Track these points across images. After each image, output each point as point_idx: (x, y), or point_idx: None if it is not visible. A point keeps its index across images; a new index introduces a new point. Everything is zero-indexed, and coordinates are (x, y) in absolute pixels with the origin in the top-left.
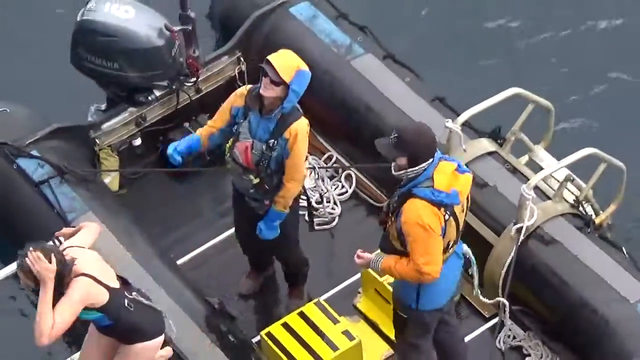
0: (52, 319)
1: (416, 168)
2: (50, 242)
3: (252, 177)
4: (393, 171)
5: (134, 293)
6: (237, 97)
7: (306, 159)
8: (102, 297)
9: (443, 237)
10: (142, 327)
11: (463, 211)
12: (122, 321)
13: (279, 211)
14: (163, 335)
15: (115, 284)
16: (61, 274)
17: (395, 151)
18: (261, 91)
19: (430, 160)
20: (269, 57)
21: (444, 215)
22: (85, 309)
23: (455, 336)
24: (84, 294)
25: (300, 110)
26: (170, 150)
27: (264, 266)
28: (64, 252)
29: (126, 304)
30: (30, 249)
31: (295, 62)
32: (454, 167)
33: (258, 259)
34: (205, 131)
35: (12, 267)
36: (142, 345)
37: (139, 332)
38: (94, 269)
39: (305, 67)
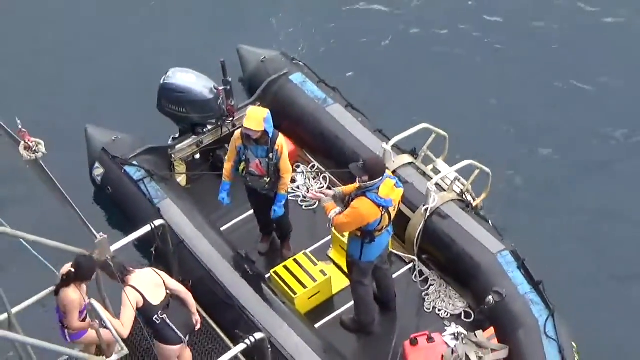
0: (121, 325)
1: (372, 182)
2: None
3: (265, 179)
4: (358, 182)
5: (164, 315)
6: (237, 140)
7: (299, 167)
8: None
9: (379, 224)
10: (161, 335)
11: (394, 209)
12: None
13: (283, 194)
14: (179, 346)
15: (155, 302)
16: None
17: (361, 172)
18: (253, 137)
19: (380, 178)
20: (245, 124)
21: (381, 211)
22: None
23: (387, 275)
24: (129, 300)
25: (277, 132)
26: (222, 196)
27: (270, 232)
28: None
29: (154, 318)
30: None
31: (260, 116)
32: (394, 183)
33: (268, 228)
34: (227, 171)
35: (135, 235)
36: (161, 345)
37: (159, 337)
38: (141, 285)
39: (265, 114)
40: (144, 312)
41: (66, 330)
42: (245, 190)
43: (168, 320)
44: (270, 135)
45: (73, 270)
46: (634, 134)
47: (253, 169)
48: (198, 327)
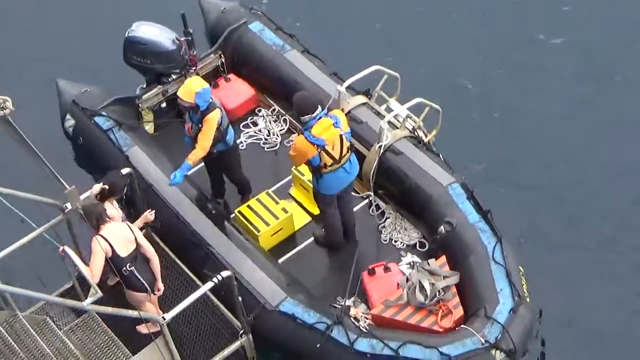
0: (90, 272)
1: (303, 118)
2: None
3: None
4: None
5: (132, 268)
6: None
7: (260, 111)
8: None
9: (320, 162)
10: (130, 284)
11: (333, 148)
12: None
13: (189, 164)
14: (145, 293)
15: (122, 254)
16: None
17: (293, 108)
18: (183, 106)
19: (309, 116)
20: (177, 93)
21: (317, 149)
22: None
23: (349, 206)
24: (97, 248)
25: (215, 106)
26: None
27: (222, 194)
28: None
29: (122, 270)
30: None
31: (193, 89)
32: (331, 122)
33: (219, 189)
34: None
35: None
36: (129, 291)
37: (128, 286)
38: (112, 237)
39: (199, 88)
40: (113, 262)
41: None
42: None
43: (136, 273)
44: (201, 109)
45: (107, 187)
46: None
47: (186, 130)
48: (159, 293)
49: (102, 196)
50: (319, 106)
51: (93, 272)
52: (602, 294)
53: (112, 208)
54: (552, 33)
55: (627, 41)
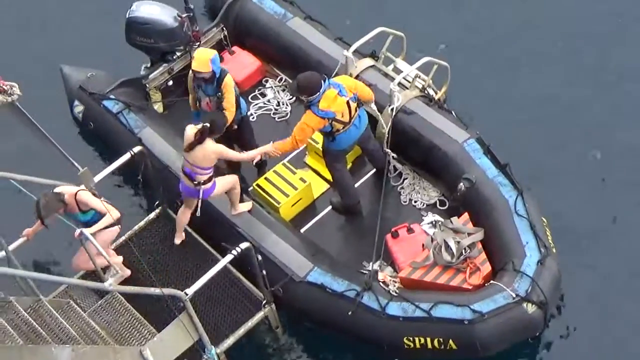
0: (109, 212)
1: (309, 98)
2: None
3: None
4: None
5: None
6: (191, 79)
7: (267, 81)
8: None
9: (332, 129)
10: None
11: (343, 115)
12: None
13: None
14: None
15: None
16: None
17: (297, 92)
18: (203, 77)
19: (317, 93)
20: (193, 67)
21: (327, 121)
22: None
23: (377, 152)
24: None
25: (226, 71)
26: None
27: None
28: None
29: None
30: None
31: (207, 57)
32: (336, 92)
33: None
34: (192, 101)
35: (116, 163)
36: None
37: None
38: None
39: (212, 55)
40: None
41: (201, 188)
42: None
43: None
44: (217, 75)
45: (208, 125)
46: None
47: (204, 107)
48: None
49: (203, 134)
50: (322, 80)
51: (109, 210)
52: (620, 247)
53: (213, 143)
54: None
55: None
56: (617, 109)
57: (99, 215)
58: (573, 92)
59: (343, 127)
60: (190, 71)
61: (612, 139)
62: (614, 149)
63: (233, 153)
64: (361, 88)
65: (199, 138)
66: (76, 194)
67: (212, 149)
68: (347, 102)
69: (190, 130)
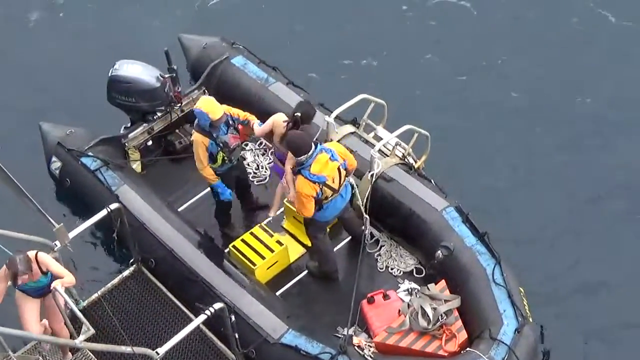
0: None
1: (302, 159)
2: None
3: (245, 143)
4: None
5: None
6: (202, 143)
7: (247, 145)
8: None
9: (320, 196)
10: None
11: (333, 181)
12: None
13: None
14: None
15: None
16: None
17: (286, 150)
18: (222, 121)
19: (306, 155)
20: (213, 118)
21: (318, 186)
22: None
23: (353, 220)
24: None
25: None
26: (227, 194)
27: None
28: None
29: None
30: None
31: (214, 102)
32: (328, 157)
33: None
34: (212, 174)
35: (93, 220)
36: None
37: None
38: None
39: (213, 99)
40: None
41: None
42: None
43: None
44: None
45: (299, 114)
46: None
47: (232, 143)
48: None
49: (296, 123)
50: (313, 143)
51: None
52: (599, 304)
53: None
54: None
55: None
56: (597, 173)
57: (54, 279)
58: (556, 157)
59: (332, 195)
60: (198, 137)
61: (594, 203)
62: (594, 213)
63: None
64: (350, 157)
65: (292, 127)
66: (36, 255)
67: None
68: (338, 168)
69: (279, 116)
